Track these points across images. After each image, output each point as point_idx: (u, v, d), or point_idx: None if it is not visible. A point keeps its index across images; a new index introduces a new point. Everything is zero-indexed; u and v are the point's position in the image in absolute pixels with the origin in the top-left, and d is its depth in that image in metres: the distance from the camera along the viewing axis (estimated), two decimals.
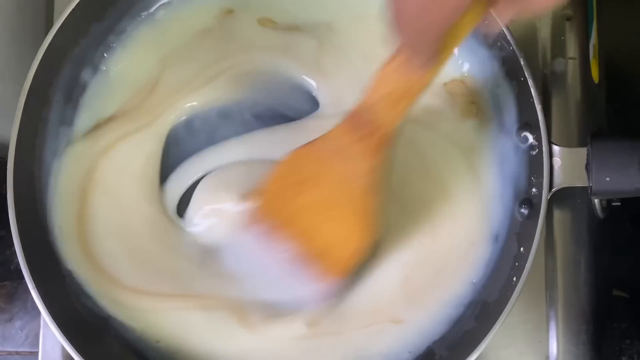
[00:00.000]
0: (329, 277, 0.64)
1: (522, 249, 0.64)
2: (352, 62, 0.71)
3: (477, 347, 0.61)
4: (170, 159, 0.72)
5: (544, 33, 0.76)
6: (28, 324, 0.81)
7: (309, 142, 0.62)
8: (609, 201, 0.74)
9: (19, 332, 0.81)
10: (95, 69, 0.71)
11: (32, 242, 0.64)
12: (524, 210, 0.65)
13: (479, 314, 0.66)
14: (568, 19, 0.75)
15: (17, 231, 0.63)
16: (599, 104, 0.77)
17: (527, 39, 0.74)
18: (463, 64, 0.70)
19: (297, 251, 0.64)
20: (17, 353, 0.81)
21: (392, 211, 0.68)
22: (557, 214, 0.73)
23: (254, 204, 0.65)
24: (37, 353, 0.74)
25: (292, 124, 0.71)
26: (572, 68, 0.75)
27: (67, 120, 0.70)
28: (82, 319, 0.67)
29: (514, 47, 0.64)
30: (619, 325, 0.77)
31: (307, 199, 0.63)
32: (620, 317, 0.78)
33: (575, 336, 0.72)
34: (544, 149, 0.63)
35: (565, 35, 0.75)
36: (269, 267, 0.65)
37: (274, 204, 0.64)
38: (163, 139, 0.72)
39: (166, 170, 0.72)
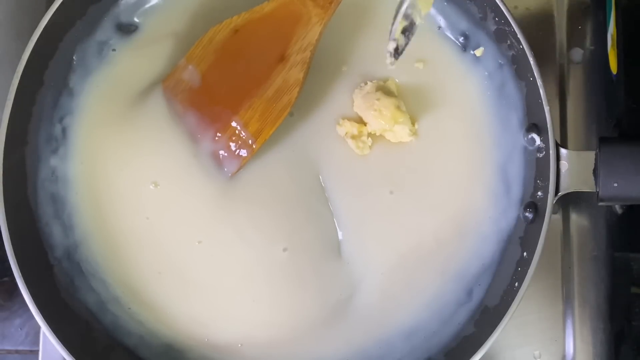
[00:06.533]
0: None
1: (525, 254, 0.63)
2: None
3: (476, 354, 0.61)
4: None
5: (561, 22, 0.75)
6: (28, 322, 0.79)
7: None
8: None
9: (18, 330, 0.80)
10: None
11: (20, 230, 0.64)
12: (529, 214, 0.64)
13: (478, 320, 0.65)
14: (585, 8, 0.75)
15: (4, 217, 0.63)
16: (618, 95, 0.75)
17: (543, 28, 0.73)
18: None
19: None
20: (16, 352, 0.80)
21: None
22: (574, 208, 0.73)
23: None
24: (37, 352, 0.74)
25: None
26: (589, 58, 0.74)
27: (62, 105, 0.69)
28: (69, 311, 0.66)
29: (524, 45, 0.62)
30: (638, 324, 0.76)
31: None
32: (639, 316, 0.77)
33: (592, 335, 0.72)
34: (550, 151, 0.62)
35: (582, 25, 0.75)
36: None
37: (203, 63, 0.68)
38: None
39: None
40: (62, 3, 0.65)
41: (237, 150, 0.67)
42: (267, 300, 0.68)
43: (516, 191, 0.67)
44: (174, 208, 0.69)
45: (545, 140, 0.63)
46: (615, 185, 0.61)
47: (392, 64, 0.58)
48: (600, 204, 0.62)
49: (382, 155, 0.69)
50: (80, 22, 0.68)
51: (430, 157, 0.69)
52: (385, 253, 0.68)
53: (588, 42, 0.74)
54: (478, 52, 0.68)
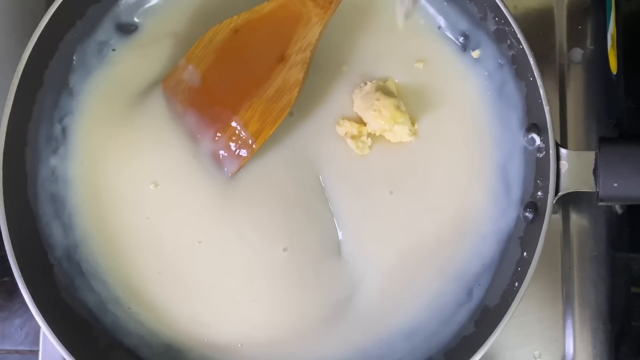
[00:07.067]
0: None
1: (525, 253, 0.63)
2: None
3: (476, 354, 0.60)
4: None
5: (561, 22, 0.75)
6: (28, 322, 0.79)
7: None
8: None
9: (18, 330, 0.79)
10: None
11: (20, 230, 0.64)
12: (529, 214, 0.64)
13: (478, 319, 0.65)
14: (585, 8, 0.74)
15: (4, 217, 0.62)
16: (618, 95, 0.76)
17: (543, 28, 0.73)
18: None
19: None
20: (16, 352, 0.79)
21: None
22: (574, 208, 0.72)
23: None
24: (37, 352, 0.74)
25: None
26: (589, 58, 0.74)
27: (62, 105, 0.69)
28: (69, 311, 0.66)
29: (524, 45, 0.62)
30: (638, 324, 0.76)
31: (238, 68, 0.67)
32: (639, 316, 0.77)
33: (592, 335, 0.72)
34: (550, 151, 0.62)
35: (582, 25, 0.75)
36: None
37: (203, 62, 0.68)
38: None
39: None
40: (62, 3, 0.65)
41: (237, 150, 0.67)
42: (267, 300, 0.68)
43: (516, 191, 0.66)
44: (174, 208, 0.69)
45: (545, 140, 0.63)
46: (615, 185, 0.61)
47: (401, 23, 0.59)
48: (600, 204, 0.62)
49: (382, 155, 0.69)
50: (80, 22, 0.68)
51: (430, 157, 0.69)
52: (385, 253, 0.68)
53: (588, 42, 0.74)
54: (475, 54, 0.68)
